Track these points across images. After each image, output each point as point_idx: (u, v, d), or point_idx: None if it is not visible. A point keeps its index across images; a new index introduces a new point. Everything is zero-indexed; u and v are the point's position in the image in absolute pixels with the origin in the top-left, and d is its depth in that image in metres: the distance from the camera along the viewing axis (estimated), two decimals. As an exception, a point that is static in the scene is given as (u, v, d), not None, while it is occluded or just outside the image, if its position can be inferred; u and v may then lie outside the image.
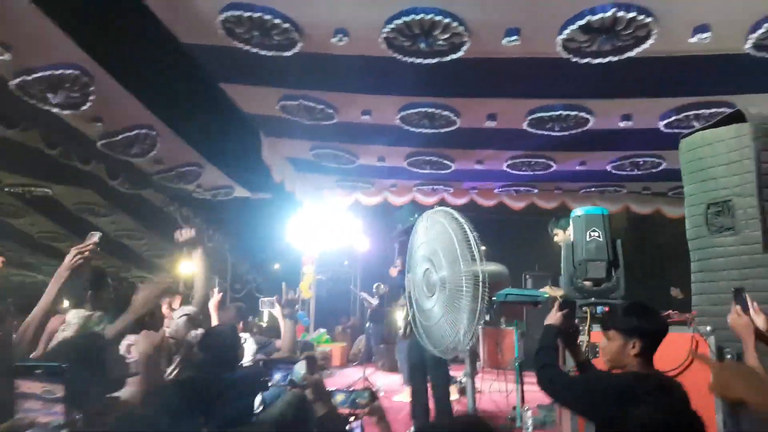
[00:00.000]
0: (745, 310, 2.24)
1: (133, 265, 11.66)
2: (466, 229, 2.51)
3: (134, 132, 5.78)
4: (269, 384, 2.30)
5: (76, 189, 8.12)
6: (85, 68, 4.69)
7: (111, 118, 5.57)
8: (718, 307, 2.80)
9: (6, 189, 8.06)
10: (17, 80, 4.66)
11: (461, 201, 9.16)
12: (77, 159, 6.37)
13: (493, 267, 2.61)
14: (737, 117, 2.79)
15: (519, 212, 9.42)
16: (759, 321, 2.19)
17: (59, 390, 1.16)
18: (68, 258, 2.39)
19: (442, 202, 9.17)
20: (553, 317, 2.32)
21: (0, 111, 5.29)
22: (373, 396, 1.95)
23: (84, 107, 5.01)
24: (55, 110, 5.07)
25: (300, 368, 1.99)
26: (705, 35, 4.13)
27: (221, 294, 4.16)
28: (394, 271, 6.96)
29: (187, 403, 2.00)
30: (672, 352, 2.75)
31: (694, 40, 4.19)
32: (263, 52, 4.65)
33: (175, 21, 4.51)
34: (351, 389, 2.06)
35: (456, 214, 2.59)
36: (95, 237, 2.47)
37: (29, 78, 4.65)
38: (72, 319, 2.58)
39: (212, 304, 4.12)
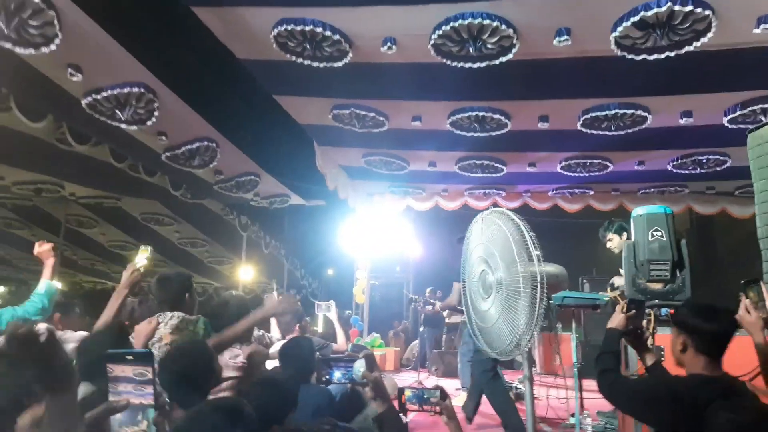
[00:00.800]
0: (758, 304, 2.12)
1: (195, 272, 12.13)
2: (522, 229, 2.50)
3: (195, 144, 6.06)
4: (330, 382, 2.35)
5: (143, 200, 8.56)
6: (149, 86, 4.98)
7: (174, 131, 5.86)
8: (791, 308, 2.67)
9: (79, 201, 8.59)
10: (88, 99, 4.99)
11: (514, 204, 9.05)
12: (143, 171, 6.72)
13: (551, 268, 2.59)
14: (808, 109, 2.66)
15: (574, 215, 9.21)
16: None
17: (149, 372, 1.24)
18: (126, 275, 2.56)
19: (495, 206, 9.01)
20: (617, 320, 2.26)
21: (73, 128, 5.65)
22: (444, 395, 1.96)
23: (149, 122, 5.30)
24: (122, 126, 5.37)
25: (359, 366, 2.04)
26: (769, 25, 3.95)
27: (281, 296, 4.29)
28: None
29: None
30: (743, 356, 2.64)
31: (758, 30, 4.02)
32: (315, 64, 4.79)
33: (231, 37, 4.72)
34: (420, 387, 2.09)
35: (512, 215, 2.59)
36: (147, 252, 2.63)
37: (98, 96, 4.97)
38: (171, 320, 2.73)
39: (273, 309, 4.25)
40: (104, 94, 4.97)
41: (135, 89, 4.98)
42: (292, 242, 11.19)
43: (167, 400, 1.84)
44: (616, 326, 2.25)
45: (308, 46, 4.58)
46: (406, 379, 7.96)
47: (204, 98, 5.46)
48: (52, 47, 4.07)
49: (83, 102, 5.03)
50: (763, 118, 5.40)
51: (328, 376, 2.35)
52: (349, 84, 5.41)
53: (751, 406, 1.80)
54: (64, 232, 8.98)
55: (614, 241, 4.59)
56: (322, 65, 4.81)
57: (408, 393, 1.95)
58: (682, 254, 2.89)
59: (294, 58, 4.73)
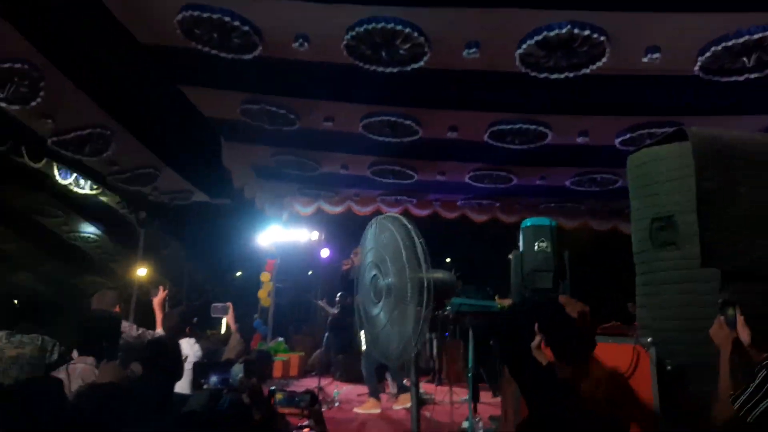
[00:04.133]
0: (730, 323, 2.25)
1: (85, 270, 11.28)
2: (413, 234, 2.49)
3: (87, 131, 5.61)
4: (204, 386, 2.22)
5: (26, 189, 7.82)
6: (35, 63, 4.54)
7: (62, 115, 5.39)
8: (659, 321, 2.86)
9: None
10: (-39, 72, 4.48)
11: (425, 212, 9.20)
12: (27, 157, 6.13)
13: (440, 274, 2.60)
14: (680, 135, 2.87)
15: (482, 225, 9.51)
16: (744, 335, 2.21)
17: None
18: None
19: (406, 213, 9.17)
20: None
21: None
22: (314, 400, 1.90)
23: (33, 103, 4.84)
24: (3, 105, 4.88)
25: (238, 371, 1.93)
26: (656, 56, 4.26)
27: (166, 292, 4.04)
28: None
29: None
30: (615, 363, 2.79)
31: (645, 59, 4.32)
32: (223, 55, 4.59)
33: (133, 19, 4.42)
34: (291, 391, 2.01)
35: (404, 220, 2.57)
36: None
37: (-26, 71, 4.47)
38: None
39: (156, 302, 4.00)
40: (-20, 68, 4.48)
41: (18, 65, 4.53)
42: (195, 241, 10.70)
43: None
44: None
45: (216, 36, 4.38)
46: (308, 385, 7.81)
47: (98, 82, 5.07)
48: None
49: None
50: (648, 141, 5.82)
51: (204, 381, 2.22)
52: (260, 78, 5.23)
53: None
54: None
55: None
56: (230, 56, 4.61)
57: (279, 395, 1.87)
58: (565, 265, 3.02)
59: (200, 47, 4.50)
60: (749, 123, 5.52)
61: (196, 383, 2.16)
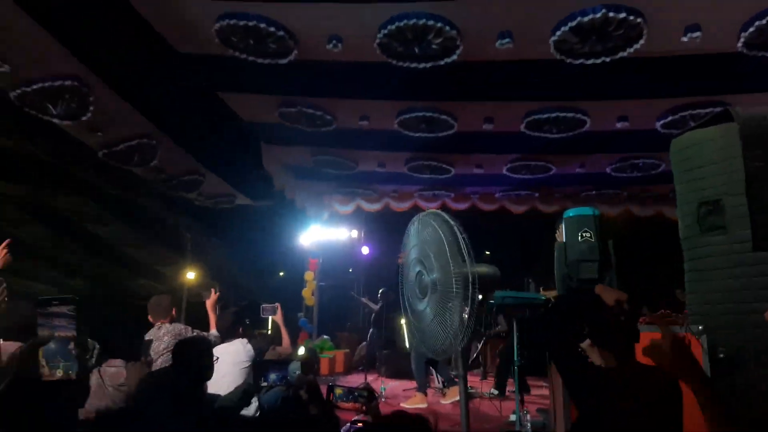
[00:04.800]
0: None
1: (138, 274, 11.71)
2: (456, 230, 2.52)
3: (135, 141, 5.83)
4: (264, 384, 2.31)
5: (79, 198, 8.18)
6: (82, 79, 4.75)
7: (111, 128, 5.62)
8: (710, 306, 2.81)
9: (8, 199, 8.13)
10: (17, 91, 4.73)
11: (463, 206, 9.18)
12: (79, 169, 6.42)
13: (484, 268, 2.62)
14: (725, 117, 2.80)
15: (521, 216, 9.42)
16: None
17: (70, 311, 1.44)
18: None
19: (444, 208, 9.18)
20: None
21: (2, 123, 5.35)
22: (372, 395, 1.97)
23: (83, 117, 5.06)
24: (55, 121, 5.12)
25: (295, 368, 2.02)
26: (696, 34, 4.15)
27: (218, 294, 4.19)
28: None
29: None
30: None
31: (686, 39, 4.21)
32: (260, 60, 4.70)
33: (171, 31, 4.58)
34: (350, 387, 2.08)
35: (446, 216, 2.61)
36: (2, 284, 2.53)
37: (28, 89, 4.71)
38: None
39: (209, 304, 4.16)
40: (34, 86, 4.71)
41: (68, 82, 4.74)
42: (239, 243, 10.97)
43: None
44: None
45: (252, 42, 4.50)
46: (354, 381, 7.93)
47: (142, 94, 5.26)
48: (-26, 35, 3.85)
49: (12, 95, 4.76)
50: (692, 124, 5.65)
51: (263, 378, 2.32)
52: (296, 81, 5.34)
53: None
54: (-6, 232, 8.49)
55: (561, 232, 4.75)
56: (266, 62, 4.73)
57: (338, 391, 1.94)
58: (609, 254, 2.99)
59: (237, 54, 4.63)
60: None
61: (257, 381, 2.24)
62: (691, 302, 2.92)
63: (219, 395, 2.61)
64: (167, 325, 3.89)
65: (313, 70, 5.01)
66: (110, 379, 2.61)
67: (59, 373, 1.38)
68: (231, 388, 3.58)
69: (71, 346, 1.39)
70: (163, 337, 3.74)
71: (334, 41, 4.47)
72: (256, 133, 6.77)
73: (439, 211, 2.68)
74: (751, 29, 4.09)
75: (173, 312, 4.04)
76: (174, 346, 2.69)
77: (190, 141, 6.29)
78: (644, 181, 8.00)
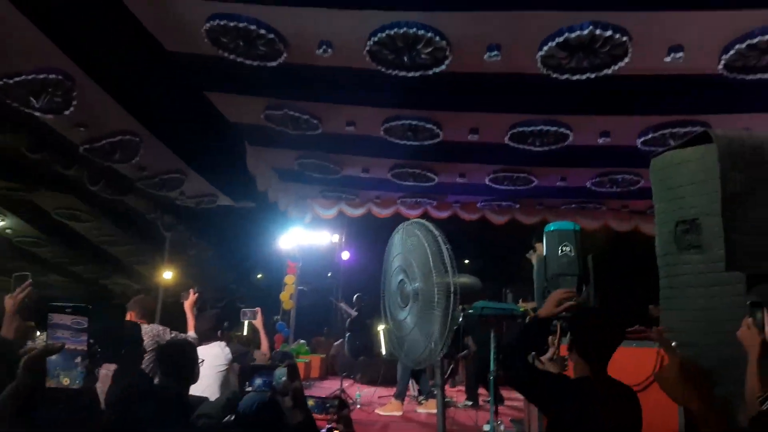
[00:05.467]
0: (758, 325, 2.21)
1: (113, 272, 11.54)
2: (440, 241, 2.55)
3: (117, 138, 5.77)
4: (248, 390, 2.30)
5: (58, 194, 8.05)
6: (67, 73, 4.69)
7: (94, 123, 5.56)
8: (684, 323, 2.86)
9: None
10: (-1, 83, 4.65)
11: (444, 214, 9.23)
12: (59, 164, 6.32)
13: (466, 279, 2.64)
14: (704, 138, 2.86)
15: (501, 227, 9.50)
16: None
17: (84, 322, 1.38)
18: (10, 303, 2.37)
19: (426, 215, 9.23)
20: (548, 306, 2.19)
21: (-20, 114, 5.25)
22: (342, 405, 1.98)
23: (66, 112, 5.00)
24: (37, 114, 5.04)
25: (281, 374, 2.01)
26: (679, 55, 4.25)
27: (197, 295, 4.14)
28: None
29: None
30: (638, 367, 2.80)
31: (668, 59, 4.31)
32: (248, 62, 4.70)
33: (161, 29, 4.55)
34: (321, 397, 2.09)
35: (431, 226, 2.63)
36: (28, 279, 2.49)
37: (11, 81, 4.64)
38: None
39: (187, 305, 4.10)
40: (17, 79, 4.64)
41: (52, 76, 4.68)
42: (219, 244, 10.88)
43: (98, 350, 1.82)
44: (545, 313, 2.19)
45: (242, 43, 4.49)
46: (331, 387, 7.91)
47: (128, 90, 5.22)
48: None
49: (-7, 86, 4.69)
50: (672, 142, 5.78)
51: (249, 383, 2.30)
52: (284, 84, 5.33)
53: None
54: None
55: (539, 249, 4.79)
56: (255, 63, 4.73)
57: (310, 402, 1.94)
58: (588, 269, 3.04)
59: (226, 54, 4.62)
60: (775, 122, 5.46)
61: (241, 385, 2.22)
62: (667, 319, 2.97)
63: (205, 398, 2.59)
64: (146, 326, 3.84)
65: (301, 73, 5.02)
66: (103, 382, 2.58)
67: (65, 381, 1.33)
68: (208, 392, 3.56)
69: (78, 360, 1.35)
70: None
71: (324, 46, 4.48)
72: (241, 134, 6.74)
73: (423, 221, 2.70)
74: (732, 52, 4.21)
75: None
76: (159, 350, 2.66)
77: (174, 139, 6.24)
78: (623, 196, 8.15)
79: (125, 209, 8.57)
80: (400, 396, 6.15)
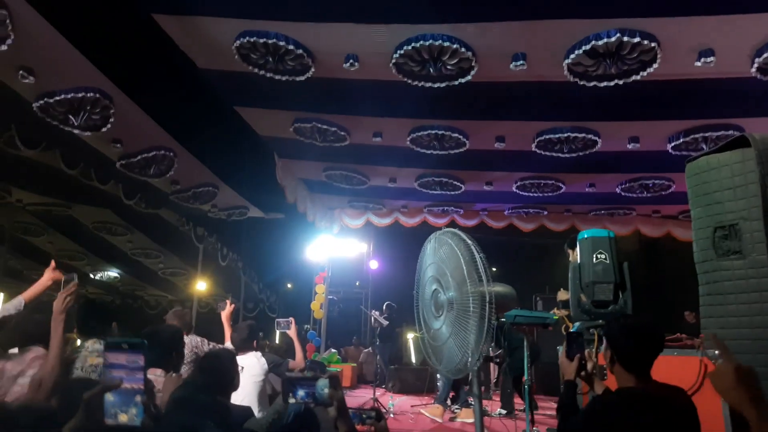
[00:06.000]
0: None
1: (148, 283, 11.80)
2: (473, 250, 2.56)
3: (152, 153, 5.95)
4: (291, 401, 2.32)
5: (95, 208, 8.30)
6: (105, 91, 4.87)
7: (130, 139, 5.74)
8: (726, 330, 2.81)
9: (27, 208, 8.26)
10: (39, 102, 4.84)
11: (472, 222, 9.21)
12: (96, 179, 6.53)
13: (500, 288, 2.65)
14: (742, 142, 2.82)
15: (529, 234, 9.44)
16: None
17: (141, 360, 1.36)
18: (58, 303, 2.49)
19: (453, 224, 9.23)
20: (568, 370, 2.27)
21: (23, 132, 5.46)
22: (380, 416, 1.99)
23: (104, 129, 5.17)
24: (76, 132, 5.23)
25: (324, 385, 2.03)
26: (710, 59, 4.20)
27: (233, 306, 4.23)
28: None
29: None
30: (681, 376, 2.76)
31: (699, 63, 4.26)
32: (277, 77, 4.80)
33: (192, 46, 4.69)
34: (359, 407, 2.11)
35: (464, 235, 2.64)
36: (74, 279, 2.60)
37: (51, 100, 4.83)
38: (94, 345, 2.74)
39: (225, 316, 4.20)
40: (57, 98, 4.83)
41: (90, 94, 4.86)
42: (249, 255, 11.05)
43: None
44: (569, 377, 2.26)
45: (271, 59, 4.60)
46: (362, 396, 7.92)
47: (162, 107, 5.38)
48: (3, 47, 3.96)
49: (34, 105, 4.88)
50: (704, 146, 5.69)
51: (292, 394, 2.34)
52: (311, 98, 5.43)
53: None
54: (10, 240, 8.61)
55: (571, 255, 4.77)
56: (284, 78, 4.83)
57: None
58: (624, 276, 3.01)
59: (256, 70, 4.73)
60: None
61: (284, 397, 2.25)
62: (707, 326, 2.92)
63: (247, 407, 2.64)
64: (185, 337, 3.93)
65: (328, 87, 5.10)
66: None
67: (123, 419, 1.31)
68: (246, 401, 3.62)
69: (138, 398, 1.33)
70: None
71: (351, 60, 4.56)
72: (270, 147, 6.87)
73: (456, 230, 2.72)
74: (765, 54, 4.14)
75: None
76: (202, 359, 2.73)
77: (206, 154, 6.40)
78: (654, 201, 8.02)
79: (159, 222, 8.79)
80: (442, 401, 6.20)
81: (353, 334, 12.01)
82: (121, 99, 5.01)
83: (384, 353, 9.39)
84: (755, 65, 4.28)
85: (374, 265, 11.67)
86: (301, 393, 2.08)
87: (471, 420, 5.90)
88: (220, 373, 2.67)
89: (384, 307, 9.52)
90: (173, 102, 5.31)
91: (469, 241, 2.57)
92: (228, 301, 4.23)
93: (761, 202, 2.65)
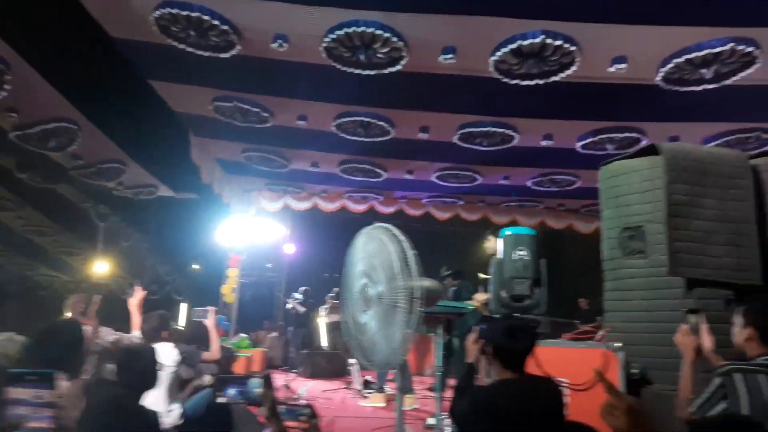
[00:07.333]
0: (693, 330, 2.42)
1: (41, 263, 10.86)
2: (404, 246, 2.58)
3: (52, 125, 5.42)
4: (221, 401, 2.23)
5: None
6: (1, 55, 4.36)
7: (28, 109, 5.20)
8: (628, 324, 3.05)
9: None
10: None
11: (390, 209, 9.32)
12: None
13: (428, 283, 2.69)
14: (651, 150, 3.05)
15: (444, 223, 9.70)
16: (707, 342, 2.39)
17: (48, 396, 1.17)
18: None
19: (372, 210, 9.29)
20: (471, 354, 2.50)
21: None
22: (314, 413, 1.97)
23: (-2, 96, 4.65)
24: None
25: (255, 384, 1.97)
26: (622, 66, 4.48)
27: (145, 293, 3.96)
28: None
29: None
30: (584, 368, 2.95)
31: (612, 69, 4.53)
32: (199, 52, 4.55)
33: (106, 14, 4.31)
34: (292, 404, 2.07)
35: (395, 231, 2.65)
36: None
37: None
38: None
39: (134, 304, 3.93)
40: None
41: (-20, 57, 4.35)
42: (158, 235, 10.47)
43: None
44: (470, 359, 2.51)
45: (193, 33, 4.34)
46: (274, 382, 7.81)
47: (66, 75, 4.91)
48: None
49: None
50: (609, 146, 6.11)
51: (221, 394, 2.24)
52: (235, 77, 5.20)
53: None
54: None
55: (491, 242, 4.96)
56: (206, 54, 4.58)
57: (281, 408, 1.92)
58: (541, 273, 3.17)
59: (176, 44, 4.45)
60: (702, 129, 5.87)
61: (215, 396, 2.14)
62: (611, 320, 3.16)
63: (155, 412, 2.49)
64: (85, 327, 3.65)
65: (254, 66, 4.90)
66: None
67: None
68: (156, 394, 3.44)
69: None
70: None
71: (280, 41, 4.40)
72: (186, 125, 6.51)
73: (387, 226, 2.72)
74: (669, 65, 4.47)
75: (94, 312, 3.78)
76: (119, 356, 2.53)
77: (114, 128, 5.93)
78: (560, 195, 8.52)
79: (54, 198, 8.08)
80: (381, 388, 6.22)
81: (265, 318, 11.80)
82: (19, 64, 4.52)
83: (296, 338, 9.32)
84: (660, 74, 4.62)
85: (290, 249, 11.50)
86: (231, 392, 2.01)
87: (381, 404, 6.04)
88: (143, 371, 2.50)
89: (303, 291, 9.44)
90: (79, 71, 4.86)
91: (401, 237, 2.59)
92: (138, 288, 3.96)
93: (665, 207, 2.88)
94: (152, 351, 2.70)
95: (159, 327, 3.91)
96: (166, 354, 3.78)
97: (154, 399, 3.53)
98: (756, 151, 3.10)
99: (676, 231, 2.82)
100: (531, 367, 2.38)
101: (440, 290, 2.76)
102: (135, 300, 3.99)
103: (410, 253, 2.52)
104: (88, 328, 3.75)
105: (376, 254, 2.68)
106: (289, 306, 9.42)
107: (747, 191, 2.86)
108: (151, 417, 2.42)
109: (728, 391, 2.06)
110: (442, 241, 11.44)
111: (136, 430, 2.13)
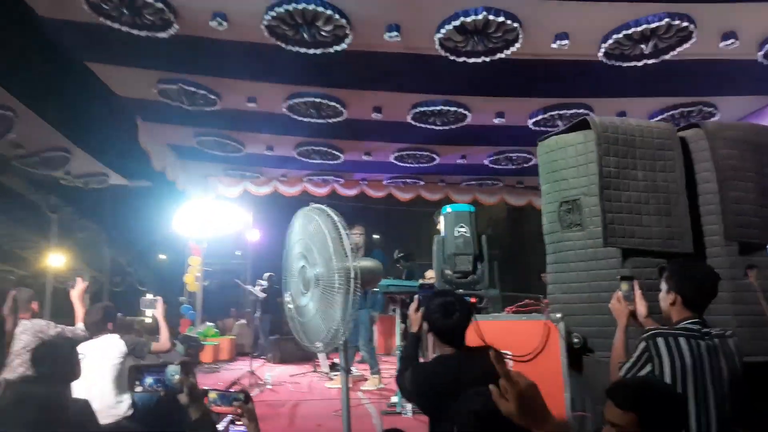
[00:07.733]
0: (626, 297, 2.51)
1: (-10, 258, 10.49)
2: (339, 226, 2.56)
3: (-15, 113, 5.19)
4: (139, 389, 2.19)
5: None
6: None
7: (-45, 96, 4.95)
8: (568, 295, 3.11)
9: None
10: None
11: (352, 192, 9.28)
12: None
13: (366, 263, 2.68)
14: (584, 124, 3.08)
15: (407, 203, 9.72)
16: (641, 308, 2.49)
17: None
18: None
19: (334, 193, 9.23)
20: (414, 324, 2.54)
21: None
22: (248, 398, 1.95)
23: None
24: None
25: (173, 371, 1.93)
26: (564, 42, 4.50)
27: (86, 284, 3.84)
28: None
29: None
30: (527, 338, 3.01)
31: (555, 45, 4.56)
32: (135, 32, 4.39)
33: (32, -8, 4.11)
34: (227, 389, 2.04)
35: (330, 211, 2.63)
36: None
37: None
38: None
39: (75, 295, 3.81)
40: None
41: None
42: (115, 226, 10.20)
43: None
44: (413, 329, 2.55)
45: (126, 11, 4.18)
46: (240, 368, 7.79)
47: (-4, 59, 4.68)
48: None
49: None
50: (560, 123, 6.17)
51: (138, 382, 2.20)
52: (176, 57, 5.04)
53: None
54: None
55: (440, 221, 4.99)
56: (143, 34, 4.42)
57: (213, 395, 1.90)
58: (482, 249, 3.20)
59: (109, 23, 4.28)
60: (647, 104, 5.98)
61: (131, 385, 2.10)
62: (553, 291, 3.21)
63: (85, 400, 2.43)
64: (26, 321, 3.55)
65: (195, 46, 4.77)
66: None
67: None
68: (101, 386, 3.38)
69: None
70: (20, 335, 3.40)
71: (219, 18, 4.28)
72: (131, 109, 6.30)
73: (322, 206, 2.69)
74: (610, 41, 4.52)
75: (35, 306, 3.67)
76: (35, 349, 2.46)
77: (54, 114, 5.69)
78: (518, 173, 8.61)
79: (1, 191, 7.77)
80: (376, 371, 6.14)
81: (232, 305, 11.70)
82: (-59, 48, 4.29)
83: (265, 324, 9.27)
84: (602, 50, 4.66)
85: (254, 235, 11.37)
86: (149, 380, 1.97)
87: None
88: (57, 363, 2.43)
89: (266, 278, 9.36)
90: (9, 54, 4.63)
91: (336, 217, 2.56)
92: (80, 278, 3.83)
93: (598, 179, 2.92)
94: (70, 342, 2.63)
95: (103, 319, 3.81)
96: (112, 346, 3.70)
97: (100, 391, 3.47)
98: (684, 124, 3.16)
99: (609, 203, 2.87)
100: (476, 341, 2.41)
101: (379, 270, 2.75)
102: (76, 292, 3.88)
103: (345, 233, 2.50)
104: (33, 323, 3.65)
105: (313, 235, 2.66)
106: (250, 290, 9.33)
107: (675, 162, 2.92)
108: (81, 406, 2.37)
109: (652, 355, 2.13)
110: (405, 221, 11.49)
111: (62, 422, 2.08)
